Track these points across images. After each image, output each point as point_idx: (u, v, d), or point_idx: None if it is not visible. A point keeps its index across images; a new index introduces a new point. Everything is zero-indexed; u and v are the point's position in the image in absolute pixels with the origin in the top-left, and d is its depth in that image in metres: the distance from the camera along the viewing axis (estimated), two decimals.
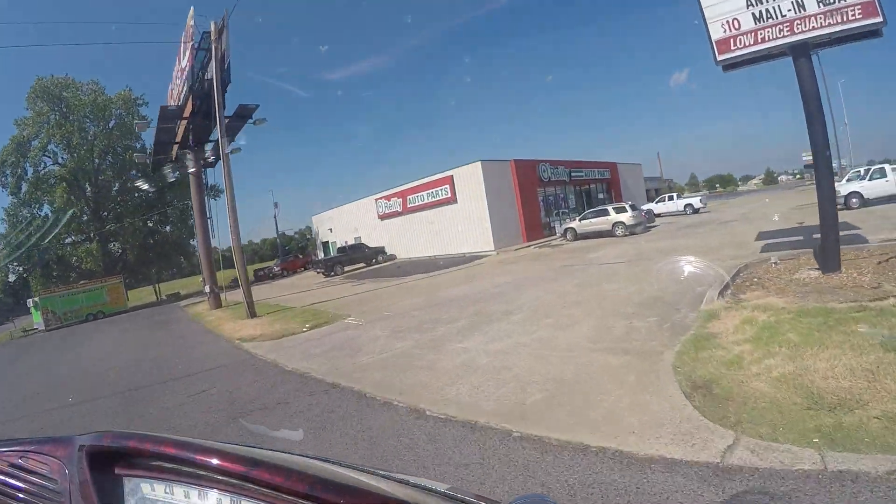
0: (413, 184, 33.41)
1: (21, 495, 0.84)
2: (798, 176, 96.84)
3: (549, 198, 33.48)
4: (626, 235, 23.41)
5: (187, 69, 20.09)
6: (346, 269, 30.25)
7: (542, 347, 6.62)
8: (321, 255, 40.38)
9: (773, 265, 9.56)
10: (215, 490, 0.71)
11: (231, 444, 0.77)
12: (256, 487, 0.66)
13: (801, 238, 13.01)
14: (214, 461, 0.70)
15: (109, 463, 0.79)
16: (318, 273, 30.86)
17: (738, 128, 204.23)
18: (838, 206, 19.09)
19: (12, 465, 0.88)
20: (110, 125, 43.27)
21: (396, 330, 9.65)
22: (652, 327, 6.77)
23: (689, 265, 11.73)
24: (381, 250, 33.79)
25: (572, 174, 34.98)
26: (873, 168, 19.22)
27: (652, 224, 26.25)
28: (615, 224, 23.99)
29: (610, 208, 24.79)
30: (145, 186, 38.09)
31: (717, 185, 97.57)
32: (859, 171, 21.29)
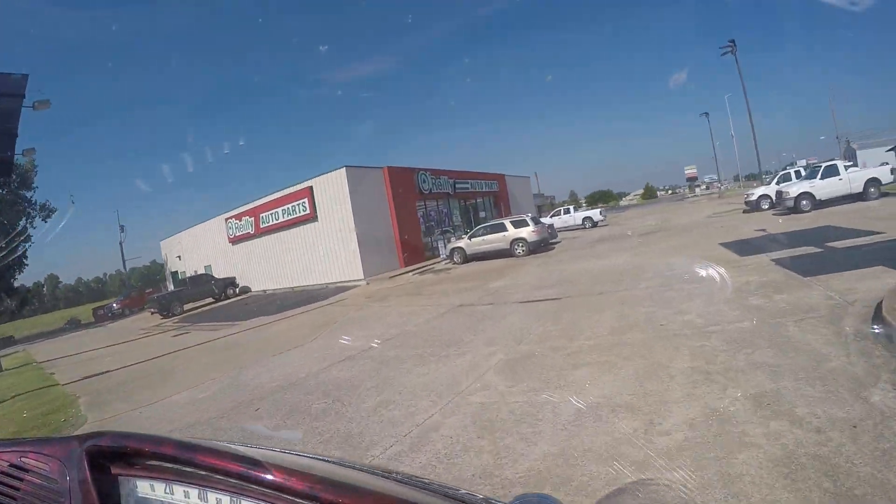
0: (267, 198, 26.63)
1: (21, 495, 0.83)
2: (670, 191, 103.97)
3: (430, 213, 27.93)
4: (526, 255, 18.34)
5: None
6: (189, 306, 24.80)
7: None
8: (170, 288, 31.47)
9: None
10: (215, 490, 0.70)
11: (231, 444, 0.76)
12: (256, 487, 0.65)
13: (818, 249, 8.39)
14: (214, 461, 0.70)
15: (109, 463, 0.78)
16: (153, 313, 24.49)
17: (615, 146, 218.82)
18: (785, 210, 15.31)
19: (12, 465, 0.86)
20: None
21: None
22: None
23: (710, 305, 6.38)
24: (231, 281, 27.36)
25: (457, 186, 29.84)
26: (825, 165, 16.26)
27: (554, 240, 21.60)
28: (515, 241, 18.86)
29: (507, 222, 19.66)
30: None
31: (599, 201, 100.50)
32: (791, 172, 18.46)
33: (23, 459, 0.86)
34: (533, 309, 8.48)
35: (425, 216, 27.53)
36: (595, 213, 29.49)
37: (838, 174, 15.73)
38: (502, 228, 19.52)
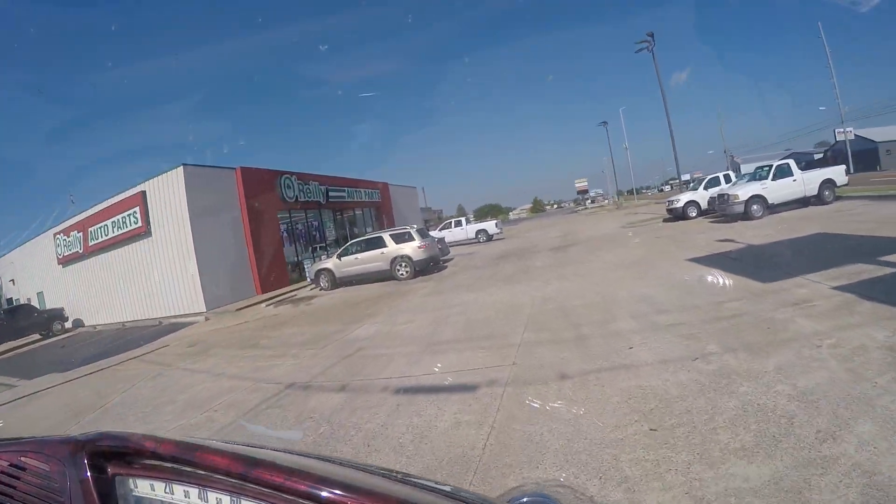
0: (96, 208, 19.96)
1: (20, 495, 0.82)
2: (556, 206, 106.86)
3: (297, 227, 22.58)
4: (412, 277, 13.94)
5: None
6: (9, 342, 18.46)
7: None
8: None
9: None
10: (215, 490, 0.69)
11: (231, 444, 0.76)
12: (256, 487, 0.65)
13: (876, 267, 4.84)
14: (214, 461, 0.69)
15: (109, 463, 0.77)
16: None
17: (501, 160, 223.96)
18: (730, 217, 12.25)
19: (12, 465, 0.86)
20: None
21: None
22: None
23: None
24: (58, 313, 20.84)
25: (331, 194, 24.75)
26: (776, 165, 13.93)
27: (446, 257, 17.44)
28: (397, 260, 14.31)
29: (386, 236, 15.03)
30: None
31: (489, 215, 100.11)
32: (720, 177, 16.32)
33: (22, 459, 0.86)
34: (420, 413, 3.91)
35: (290, 230, 22.15)
36: (490, 226, 25.97)
37: (791, 175, 13.43)
38: (380, 244, 14.86)
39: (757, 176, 13.89)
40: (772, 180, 13.05)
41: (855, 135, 49.77)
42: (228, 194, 18.72)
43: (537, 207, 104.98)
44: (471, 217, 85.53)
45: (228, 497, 0.67)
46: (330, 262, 15.88)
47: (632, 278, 7.97)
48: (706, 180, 17.56)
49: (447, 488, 0.76)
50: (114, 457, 0.77)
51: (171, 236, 17.20)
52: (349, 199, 26.73)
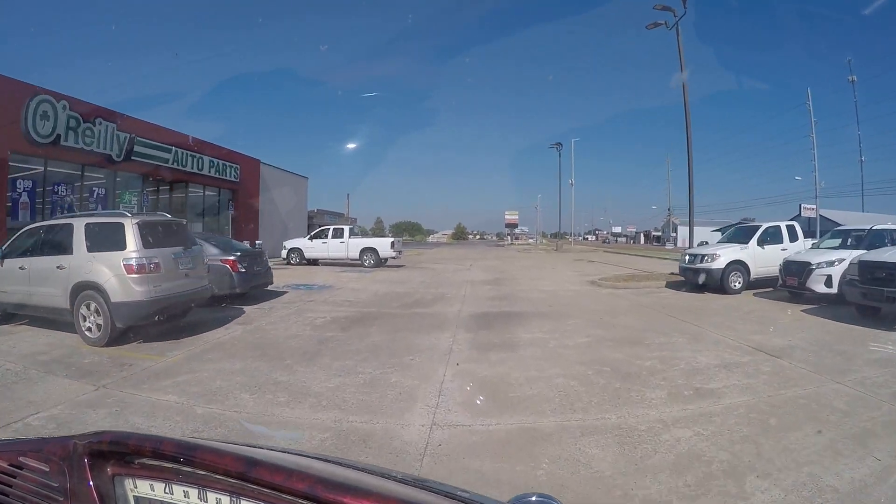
0: None
1: (21, 495, 0.81)
2: (478, 236, 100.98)
3: (57, 191, 13.29)
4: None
5: None
6: None
7: None
8: None
9: None
10: (215, 490, 0.69)
11: (231, 444, 0.76)
12: (256, 487, 0.65)
13: None
14: (214, 461, 0.68)
15: (109, 463, 0.77)
16: None
17: (430, 179, 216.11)
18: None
19: (12, 465, 0.85)
20: None
21: None
22: None
23: None
24: None
25: (138, 150, 15.42)
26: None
27: (267, 284, 8.96)
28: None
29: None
30: None
31: (405, 233, 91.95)
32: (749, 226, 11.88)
33: (21, 459, 0.86)
34: None
35: (40, 194, 12.79)
36: (383, 244, 17.49)
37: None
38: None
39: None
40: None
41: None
42: None
43: (460, 234, 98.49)
44: (388, 233, 76.60)
45: (228, 497, 0.67)
46: None
47: None
48: (761, 230, 10.54)
49: (447, 488, 0.76)
50: (113, 457, 0.76)
51: None
52: (180, 168, 17.33)
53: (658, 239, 78.53)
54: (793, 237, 10.58)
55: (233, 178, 20.08)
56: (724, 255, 10.08)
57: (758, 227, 10.83)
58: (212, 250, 8.73)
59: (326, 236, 17.88)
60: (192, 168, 17.94)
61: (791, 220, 44.77)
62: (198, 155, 18.15)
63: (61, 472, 0.79)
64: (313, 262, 18.08)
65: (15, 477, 0.83)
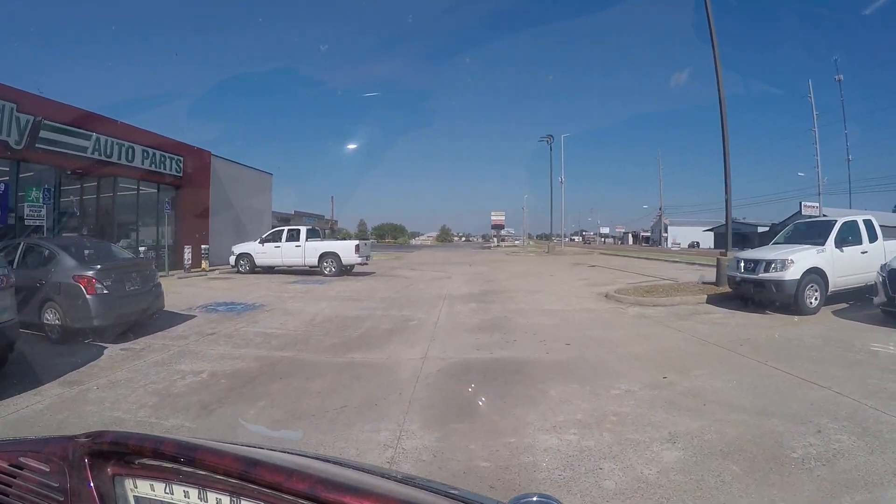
0: None
1: (21, 495, 0.81)
2: (464, 238, 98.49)
3: None
4: None
5: None
6: None
7: None
8: None
9: None
10: (215, 490, 0.69)
11: (231, 444, 0.75)
12: (256, 487, 0.64)
13: None
14: (214, 461, 0.67)
15: (109, 463, 0.77)
16: None
17: (414, 181, 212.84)
18: None
19: (12, 465, 0.85)
20: None
21: None
22: None
23: None
24: None
25: (43, 133, 12.63)
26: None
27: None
28: None
29: None
30: None
31: (389, 236, 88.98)
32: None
33: (21, 459, 0.85)
34: None
35: None
36: (346, 248, 14.67)
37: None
38: None
39: None
40: None
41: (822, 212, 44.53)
42: None
43: (444, 237, 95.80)
44: (371, 237, 73.36)
45: (228, 497, 0.67)
46: None
47: None
48: (838, 227, 8.05)
49: (447, 488, 0.76)
50: (113, 457, 0.76)
51: None
52: (105, 159, 14.50)
53: (647, 239, 76.83)
54: (872, 236, 8.09)
55: (174, 172, 17.15)
56: (800, 261, 7.52)
57: (831, 223, 8.31)
58: (67, 262, 6.04)
59: (280, 239, 15.15)
60: (121, 159, 15.03)
61: (788, 218, 42.06)
62: (127, 143, 15.25)
63: (61, 473, 0.78)
64: (270, 269, 15.39)
65: (15, 477, 0.83)
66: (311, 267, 14.74)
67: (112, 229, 15.44)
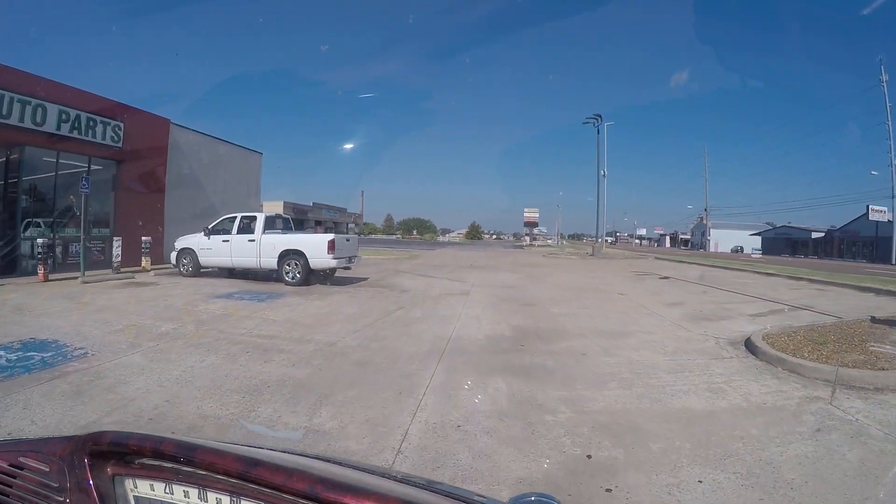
0: None
1: (21, 495, 0.80)
2: (494, 236, 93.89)
3: None
4: None
5: None
6: None
7: None
8: None
9: None
10: (215, 490, 0.69)
11: (231, 444, 0.75)
12: (256, 487, 0.64)
13: None
14: (214, 461, 0.68)
15: (109, 463, 0.76)
16: None
17: (444, 178, 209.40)
18: None
19: (12, 465, 0.84)
20: None
21: None
22: None
23: None
24: None
25: None
26: None
27: None
28: None
29: None
30: None
31: (415, 231, 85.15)
32: None
33: (21, 459, 0.84)
34: None
35: None
36: (315, 245, 10.11)
37: None
38: None
39: None
40: None
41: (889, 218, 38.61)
42: None
43: (474, 233, 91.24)
44: (397, 233, 69.07)
45: (228, 497, 0.67)
46: None
47: None
48: None
49: (447, 488, 0.75)
50: (113, 456, 0.76)
51: None
52: (3, 121, 10.58)
53: (686, 242, 70.89)
54: None
55: (110, 143, 13.10)
56: None
57: None
58: None
59: (231, 230, 10.88)
60: (26, 122, 11.12)
61: (850, 224, 35.56)
62: (37, 101, 11.33)
63: (61, 473, 0.78)
64: (231, 272, 11.27)
65: (15, 477, 0.82)
66: (269, 270, 10.45)
67: (16, 215, 11.55)
